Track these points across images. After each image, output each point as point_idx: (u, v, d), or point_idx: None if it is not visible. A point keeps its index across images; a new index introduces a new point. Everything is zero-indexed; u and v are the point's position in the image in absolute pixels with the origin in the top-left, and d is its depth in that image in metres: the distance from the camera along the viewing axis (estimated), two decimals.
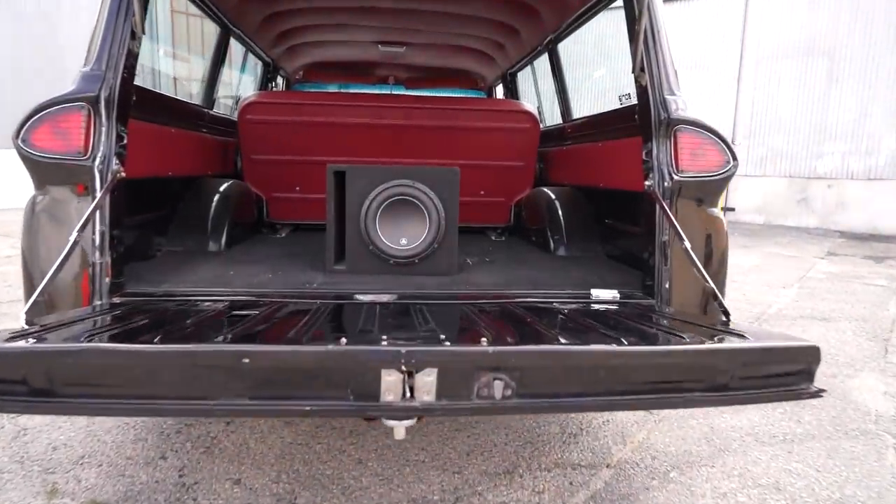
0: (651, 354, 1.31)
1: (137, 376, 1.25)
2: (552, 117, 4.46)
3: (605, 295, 2.26)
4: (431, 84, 5.73)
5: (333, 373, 1.26)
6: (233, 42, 4.12)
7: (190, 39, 13.96)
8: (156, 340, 1.34)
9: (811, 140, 11.39)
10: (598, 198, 3.27)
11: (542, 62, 4.50)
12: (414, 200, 2.46)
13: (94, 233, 2.01)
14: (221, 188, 3.41)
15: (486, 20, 4.00)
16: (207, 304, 2.00)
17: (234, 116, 3.76)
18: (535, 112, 3.77)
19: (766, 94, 11.95)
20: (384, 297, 2.16)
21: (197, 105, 3.60)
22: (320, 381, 1.25)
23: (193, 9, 3.55)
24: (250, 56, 4.75)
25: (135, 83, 2.32)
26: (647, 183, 2.28)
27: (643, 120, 2.35)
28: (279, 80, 5.51)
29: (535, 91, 4.64)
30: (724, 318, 1.75)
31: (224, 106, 4.81)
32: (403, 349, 1.22)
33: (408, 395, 1.25)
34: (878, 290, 6.22)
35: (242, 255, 2.94)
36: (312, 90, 5.72)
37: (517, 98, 5.17)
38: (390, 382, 1.23)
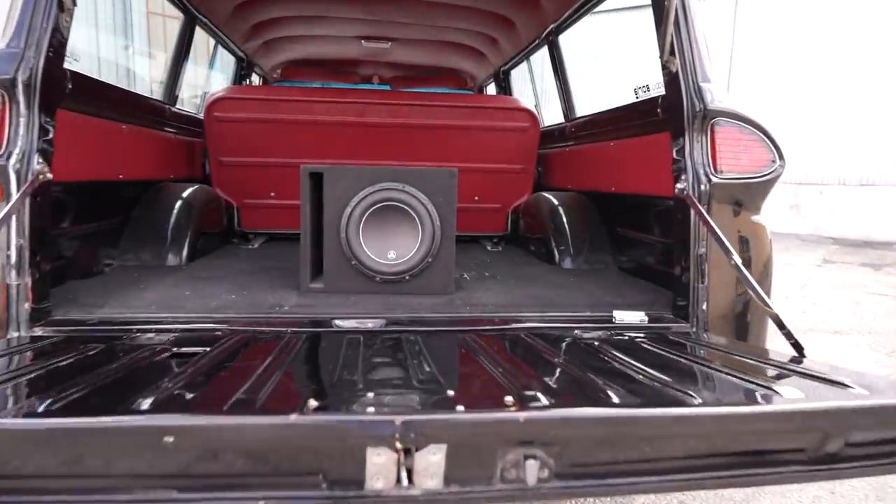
0: (747, 418, 0.96)
1: (24, 462, 0.87)
2: (550, 118, 4.13)
3: (629, 317, 1.92)
4: (418, 83, 5.38)
5: (299, 452, 0.89)
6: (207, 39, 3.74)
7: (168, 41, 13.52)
8: (51, 402, 0.96)
9: (803, 145, 11.24)
10: (608, 204, 2.93)
11: (538, 59, 4.18)
12: (404, 207, 2.10)
13: (8, 247, 1.62)
14: (185, 194, 3.01)
15: (479, 12, 3.66)
16: (150, 335, 1.62)
17: (202, 115, 3.37)
18: (535, 110, 3.43)
19: (756, 99, 11.79)
20: (369, 323, 1.79)
21: (156, 100, 3.21)
22: (281, 464, 0.88)
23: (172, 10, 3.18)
24: (224, 52, 4.37)
25: (77, 71, 1.95)
26: (678, 186, 1.95)
27: (672, 112, 2.02)
28: (256, 79, 5.13)
29: (532, 89, 4.31)
30: (795, 354, 1.41)
31: (194, 105, 4.41)
32: (398, 420, 0.85)
33: (404, 480, 0.88)
34: (883, 299, 5.98)
35: (206, 270, 2.55)
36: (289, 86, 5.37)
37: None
38: (380, 464, 0.86)
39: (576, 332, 1.75)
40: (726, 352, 1.57)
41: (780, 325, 1.49)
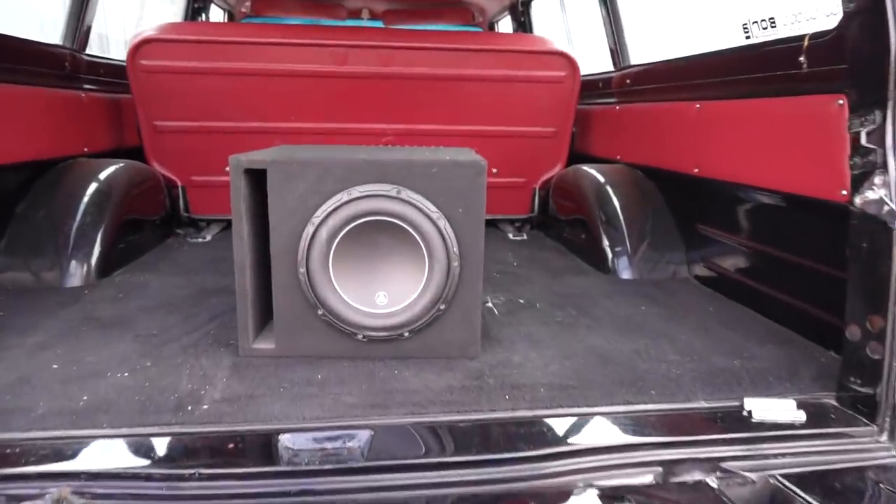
0: None
1: None
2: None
3: (773, 413, 1.15)
4: (417, 18, 4.44)
5: None
6: None
7: None
8: None
9: None
10: (685, 188, 2.11)
11: None
12: (401, 224, 1.29)
13: None
14: (102, 174, 2.20)
15: None
16: None
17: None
18: (573, 54, 2.56)
19: None
20: (346, 443, 1.02)
21: (50, 45, 2.32)
22: None
23: None
24: None
25: None
26: (867, 195, 1.14)
27: (857, 66, 1.19)
28: (224, 19, 4.18)
29: (565, 28, 3.38)
30: None
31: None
32: None
33: None
34: None
35: (115, 297, 1.77)
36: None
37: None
38: None
39: (718, 473, 0.98)
40: None
41: None
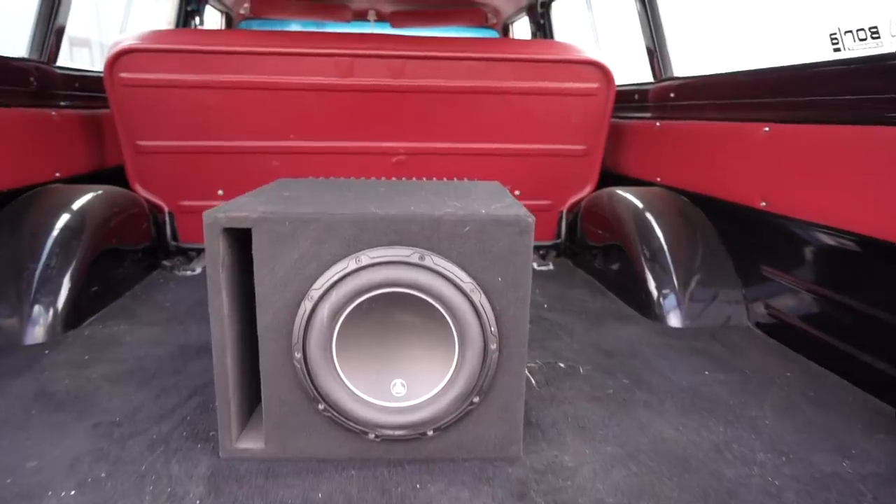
0: None
1: None
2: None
3: None
4: (427, 20, 4.16)
5: None
6: None
7: None
8: None
9: None
10: (746, 222, 1.82)
11: None
12: (425, 299, 1.01)
13: None
14: (75, 203, 1.94)
15: None
16: None
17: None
18: (608, 64, 2.27)
19: None
20: None
21: (10, 59, 2.04)
22: None
23: None
24: None
25: None
26: None
27: None
28: (216, 20, 3.90)
29: (592, 32, 3.08)
30: None
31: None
32: None
33: None
34: None
35: (81, 361, 1.49)
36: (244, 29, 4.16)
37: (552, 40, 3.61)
38: None
39: None
40: None
41: None
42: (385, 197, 1.18)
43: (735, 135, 1.83)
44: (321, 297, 0.99)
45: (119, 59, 2.06)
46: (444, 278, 1.00)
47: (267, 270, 1.00)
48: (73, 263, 1.74)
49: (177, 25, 3.36)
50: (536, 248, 2.66)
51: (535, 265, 2.50)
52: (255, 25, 4.36)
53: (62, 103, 2.18)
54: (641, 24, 2.42)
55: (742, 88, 1.82)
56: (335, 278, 0.99)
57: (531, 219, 1.01)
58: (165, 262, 2.33)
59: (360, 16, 4.16)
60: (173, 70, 2.12)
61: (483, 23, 4.28)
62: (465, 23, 4.31)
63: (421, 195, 1.21)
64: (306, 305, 1.00)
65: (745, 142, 1.77)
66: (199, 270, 2.31)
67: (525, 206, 2.59)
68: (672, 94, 2.23)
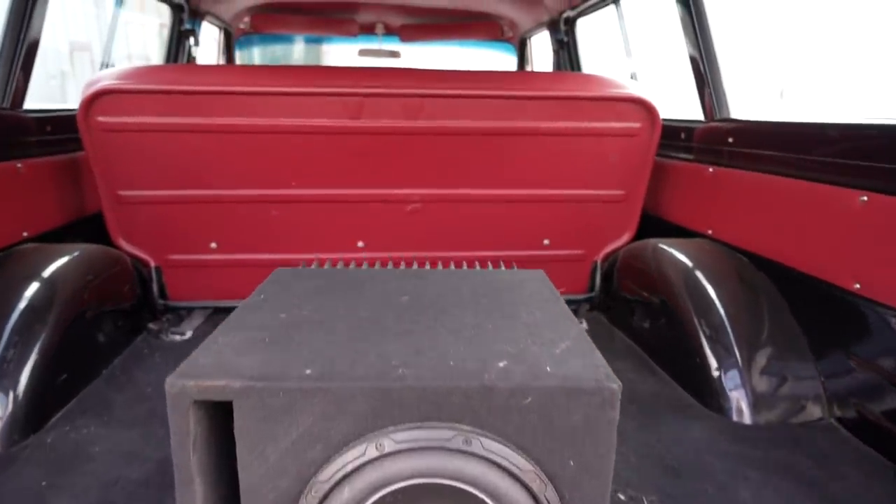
0: None
1: None
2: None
3: None
4: (438, 34, 3.90)
5: None
6: None
7: None
8: None
9: None
10: (830, 301, 1.54)
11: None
12: (472, 492, 0.74)
13: None
14: (45, 271, 1.68)
15: None
16: None
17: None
18: (653, 101, 2.00)
19: None
20: None
21: None
22: None
23: None
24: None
25: None
26: None
27: None
28: (214, 42, 3.64)
29: (625, 51, 2.79)
30: None
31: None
32: None
33: None
34: None
35: (27, 489, 1.23)
36: (257, 47, 3.91)
37: (577, 64, 3.32)
38: None
39: None
40: None
41: None
42: (410, 321, 0.91)
43: (819, 197, 1.55)
44: (330, 492, 0.72)
45: (96, 100, 1.79)
46: (498, 466, 0.73)
47: (255, 455, 0.73)
48: (35, 353, 1.48)
49: (169, 45, 3.09)
50: (568, 303, 2.39)
51: None
52: (256, 41, 4.10)
53: (32, 150, 1.92)
54: (691, 54, 2.13)
55: (828, 144, 1.54)
56: (349, 468, 0.72)
57: (616, 385, 0.74)
58: (151, 325, 2.07)
59: (368, 30, 3.89)
60: (160, 112, 1.85)
61: (498, 36, 4.02)
62: (478, 36, 4.05)
63: (456, 317, 0.94)
64: (310, 501, 0.73)
65: (832, 208, 1.50)
66: (188, 335, 2.05)
67: (554, 256, 2.30)
68: (730, 139, 1.95)
